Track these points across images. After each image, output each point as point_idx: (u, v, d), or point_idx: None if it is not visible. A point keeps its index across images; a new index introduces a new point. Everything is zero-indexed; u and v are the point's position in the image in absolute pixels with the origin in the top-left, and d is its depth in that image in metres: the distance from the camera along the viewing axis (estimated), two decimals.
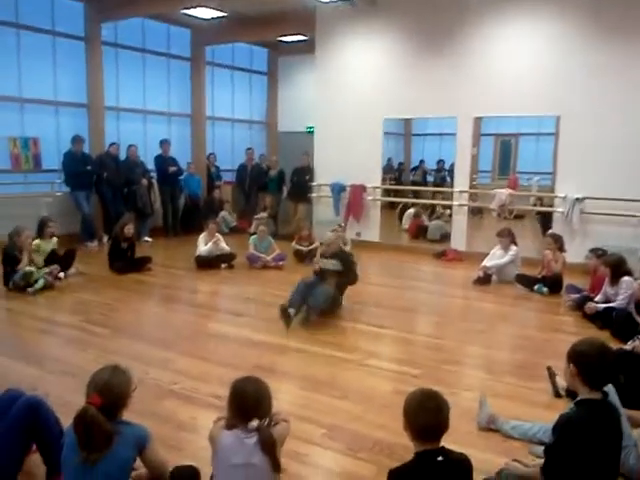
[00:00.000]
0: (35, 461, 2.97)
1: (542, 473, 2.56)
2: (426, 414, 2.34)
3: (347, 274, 6.12)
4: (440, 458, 2.29)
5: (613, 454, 2.56)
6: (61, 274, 7.13)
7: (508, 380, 4.41)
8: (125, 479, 2.50)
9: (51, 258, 7.19)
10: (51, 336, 5.47)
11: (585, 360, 2.56)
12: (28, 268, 6.65)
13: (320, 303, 5.72)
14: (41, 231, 7.29)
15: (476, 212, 12.48)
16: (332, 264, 6.14)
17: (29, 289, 6.58)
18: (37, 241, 7.19)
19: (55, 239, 7.48)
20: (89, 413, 2.38)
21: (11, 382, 3.75)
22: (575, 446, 2.45)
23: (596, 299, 6.01)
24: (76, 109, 10.42)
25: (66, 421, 2.89)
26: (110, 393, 2.46)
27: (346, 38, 10.57)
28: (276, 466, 2.48)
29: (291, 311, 5.53)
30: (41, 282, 6.72)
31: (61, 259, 7.32)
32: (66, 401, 3.68)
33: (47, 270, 6.90)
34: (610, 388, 3.00)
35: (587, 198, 8.55)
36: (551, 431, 2.60)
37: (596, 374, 2.56)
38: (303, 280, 5.97)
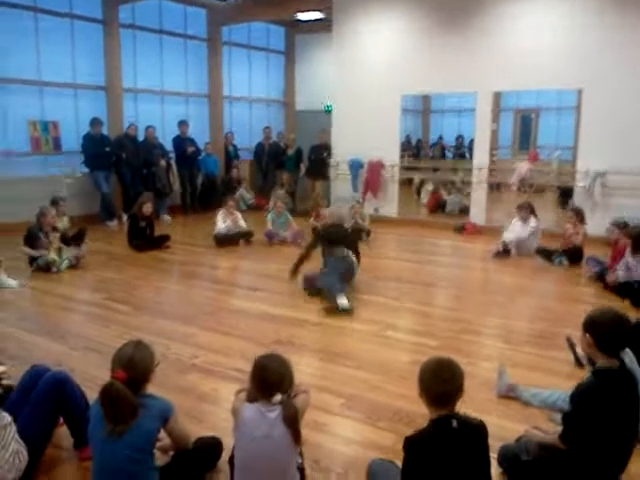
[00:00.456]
0: (63, 433, 3.05)
1: (561, 441, 2.57)
2: (441, 380, 2.35)
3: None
4: (455, 424, 2.30)
5: (631, 421, 2.56)
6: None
7: (527, 350, 4.41)
8: (150, 450, 2.55)
9: (62, 239, 7.24)
10: (75, 313, 5.57)
11: (601, 329, 2.56)
12: (51, 256, 6.74)
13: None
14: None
15: (496, 188, 12.40)
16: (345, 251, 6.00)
17: (53, 268, 6.69)
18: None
19: (66, 218, 7.58)
20: (114, 387, 2.43)
21: (36, 358, 3.86)
22: (593, 414, 2.46)
23: (617, 270, 5.95)
24: (94, 92, 10.47)
25: (91, 395, 2.97)
26: (134, 368, 2.51)
27: (364, 15, 10.44)
28: (297, 438, 2.51)
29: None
30: (65, 263, 6.84)
31: (70, 239, 7.39)
32: (91, 376, 3.78)
33: (74, 253, 7.00)
34: (629, 355, 3.00)
35: (608, 172, 8.44)
36: (569, 399, 2.61)
37: (612, 342, 2.56)
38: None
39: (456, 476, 2.27)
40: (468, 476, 2.29)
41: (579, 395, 2.54)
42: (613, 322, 2.57)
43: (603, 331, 2.55)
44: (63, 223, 7.49)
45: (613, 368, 2.55)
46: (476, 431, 2.37)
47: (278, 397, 2.51)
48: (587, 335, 2.59)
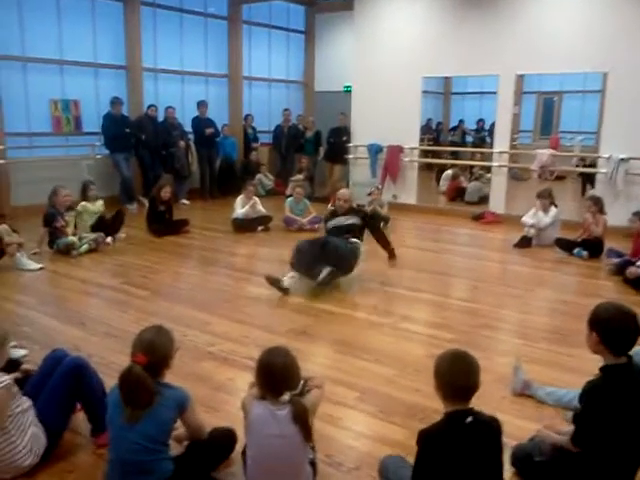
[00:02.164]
0: (81, 419, 3.09)
1: (572, 443, 2.55)
2: (457, 374, 2.34)
3: (374, 221, 5.94)
4: (469, 419, 2.30)
5: None
6: (109, 239, 7.30)
7: (544, 346, 4.38)
8: (165, 439, 2.58)
9: (99, 223, 7.38)
10: (93, 298, 5.64)
11: (607, 326, 2.49)
12: (71, 238, 6.81)
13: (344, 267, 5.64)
14: (85, 194, 7.51)
15: (517, 177, 12.24)
16: (348, 220, 5.84)
17: (73, 251, 6.76)
18: (83, 203, 7.42)
19: (101, 201, 7.66)
20: (134, 371, 2.45)
21: (56, 343, 3.92)
22: (602, 413, 2.44)
23: (638, 263, 5.88)
24: (115, 71, 10.48)
25: (108, 381, 3.02)
26: (154, 352, 2.52)
27: None
28: (308, 436, 2.50)
29: (288, 278, 5.45)
30: (85, 247, 6.91)
31: (109, 223, 7.51)
32: (109, 361, 3.84)
33: (92, 237, 7.06)
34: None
35: (633, 158, 8.29)
36: (578, 399, 2.59)
37: (619, 340, 2.49)
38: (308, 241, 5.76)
39: (468, 472, 2.27)
40: (480, 472, 2.29)
41: (588, 393, 2.50)
42: (620, 319, 2.49)
43: (611, 329, 2.48)
44: (97, 207, 7.55)
45: (621, 364, 2.50)
46: (490, 427, 2.36)
47: (286, 397, 2.50)
48: (593, 333, 2.52)
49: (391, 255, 5.96)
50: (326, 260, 5.49)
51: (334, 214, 6.01)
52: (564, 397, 3.40)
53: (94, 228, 7.30)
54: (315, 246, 5.57)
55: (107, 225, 7.43)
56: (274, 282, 5.42)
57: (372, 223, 6.06)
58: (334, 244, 5.52)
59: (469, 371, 2.36)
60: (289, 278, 5.49)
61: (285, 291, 5.44)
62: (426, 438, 2.34)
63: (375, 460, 2.73)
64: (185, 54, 11.59)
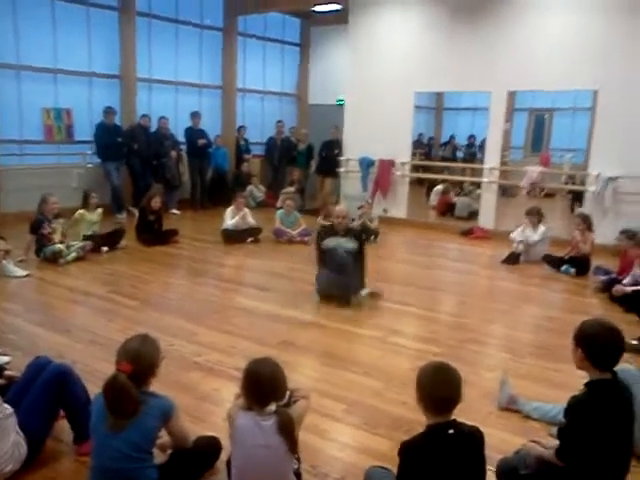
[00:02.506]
0: (63, 427, 3.06)
1: (557, 457, 2.56)
2: (439, 386, 2.35)
3: (362, 256, 5.75)
4: (451, 431, 2.30)
5: (626, 435, 2.53)
6: (104, 248, 7.35)
7: (531, 361, 4.40)
8: (149, 447, 2.57)
9: (94, 236, 7.39)
10: (80, 306, 5.60)
11: (592, 342, 2.52)
12: (58, 246, 6.78)
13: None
14: (85, 202, 7.54)
15: (506, 192, 12.31)
16: (348, 244, 5.68)
17: (60, 260, 6.73)
18: (82, 211, 7.46)
19: (100, 210, 7.69)
20: (119, 379, 2.44)
21: (40, 350, 3.89)
22: (587, 428, 2.44)
23: (624, 281, 5.92)
24: (109, 80, 10.48)
25: (92, 388, 3.00)
26: (140, 361, 2.51)
27: (380, 8, 10.39)
28: (293, 447, 2.50)
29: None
30: (73, 255, 6.87)
31: (106, 237, 7.54)
32: (93, 369, 3.81)
33: (80, 245, 7.04)
34: (631, 371, 2.98)
35: (621, 177, 8.36)
36: (563, 414, 2.60)
37: (604, 356, 2.52)
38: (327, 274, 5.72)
39: None
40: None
41: (572, 409, 2.51)
42: (605, 335, 2.52)
43: (596, 345, 2.50)
44: (95, 216, 7.58)
45: (606, 379, 2.52)
46: (472, 439, 2.37)
47: (272, 407, 2.50)
48: (579, 350, 2.54)
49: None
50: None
51: (331, 231, 5.82)
52: (550, 412, 3.42)
53: (87, 238, 7.29)
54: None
55: (102, 238, 7.45)
56: None
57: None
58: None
59: (451, 383, 2.36)
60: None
61: None
62: (407, 450, 2.34)
63: (360, 471, 2.73)
64: (179, 65, 11.63)
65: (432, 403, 2.37)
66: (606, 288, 6.11)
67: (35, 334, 4.64)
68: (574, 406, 2.52)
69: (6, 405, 2.73)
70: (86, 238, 7.28)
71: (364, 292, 5.70)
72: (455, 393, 2.35)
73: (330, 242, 5.71)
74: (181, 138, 11.03)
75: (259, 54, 13.39)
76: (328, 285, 5.66)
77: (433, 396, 2.35)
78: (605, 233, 7.51)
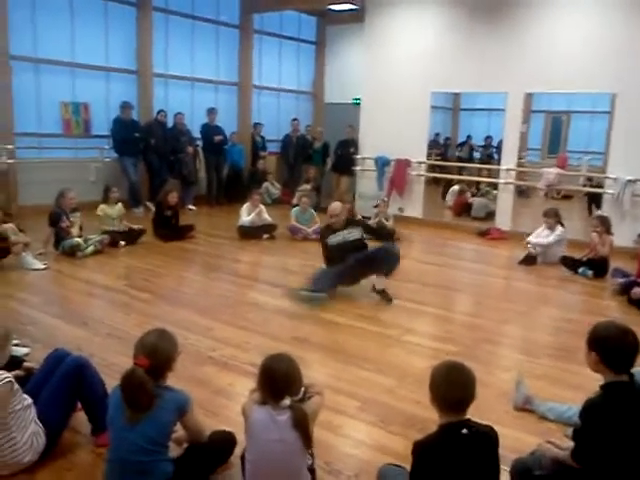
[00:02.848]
0: (81, 419, 3.09)
1: (573, 459, 2.54)
2: (452, 386, 2.33)
3: (380, 236, 5.80)
4: (465, 431, 2.29)
5: None
6: (122, 242, 7.44)
7: (547, 362, 4.37)
8: (165, 441, 2.58)
9: (113, 233, 7.46)
10: (97, 299, 5.65)
11: (606, 345, 2.49)
12: (76, 240, 6.84)
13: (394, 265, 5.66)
14: (106, 196, 7.65)
15: (523, 193, 12.23)
16: (353, 234, 5.76)
17: (78, 253, 6.79)
18: (103, 206, 7.56)
19: (120, 204, 7.75)
20: (136, 374, 2.46)
21: (58, 342, 3.93)
22: (602, 430, 2.42)
23: None
24: (126, 75, 10.55)
25: (109, 381, 3.02)
26: (157, 356, 2.53)
27: (396, 8, 10.36)
28: (307, 442, 2.51)
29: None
30: (91, 248, 6.93)
31: (125, 234, 7.60)
32: (110, 362, 3.84)
33: (98, 239, 7.10)
34: None
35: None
36: (578, 416, 2.58)
37: (618, 358, 2.49)
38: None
39: None
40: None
41: (587, 411, 2.49)
42: (619, 337, 2.48)
43: (609, 347, 2.48)
44: (116, 210, 7.65)
45: (623, 381, 2.49)
46: (486, 439, 2.36)
47: (287, 402, 2.51)
48: (593, 353, 2.51)
49: None
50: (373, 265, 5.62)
51: (330, 229, 5.86)
52: (565, 413, 3.39)
53: (106, 233, 7.35)
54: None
55: (122, 235, 7.53)
56: None
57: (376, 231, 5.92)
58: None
59: (465, 383, 2.35)
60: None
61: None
62: (420, 449, 2.33)
63: (374, 468, 2.72)
64: (196, 61, 11.68)
65: (446, 403, 2.35)
66: (624, 290, 6.04)
67: (53, 326, 4.68)
68: (589, 408, 2.49)
69: (25, 396, 2.77)
70: (105, 233, 7.33)
71: (379, 285, 5.64)
72: (469, 393, 2.34)
73: (334, 238, 5.76)
74: (197, 134, 11.07)
75: (275, 52, 13.41)
76: (353, 274, 5.62)
77: (447, 396, 2.34)
78: (623, 236, 7.45)
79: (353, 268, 5.59)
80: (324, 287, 5.57)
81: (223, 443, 2.84)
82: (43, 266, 6.28)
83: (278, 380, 2.50)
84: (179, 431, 2.75)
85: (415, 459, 2.33)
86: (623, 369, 2.50)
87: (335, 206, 5.91)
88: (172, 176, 10.43)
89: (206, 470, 2.75)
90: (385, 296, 5.64)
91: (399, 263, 5.69)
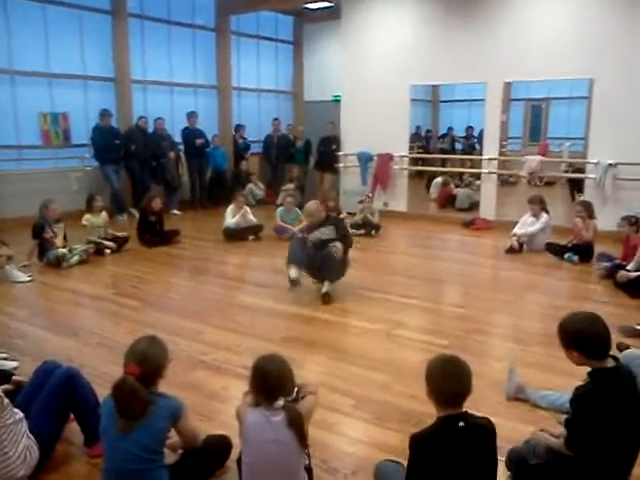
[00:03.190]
0: (73, 430, 3.07)
1: (566, 447, 2.56)
2: (448, 380, 2.34)
3: (344, 240, 5.67)
4: (462, 424, 2.29)
5: (633, 420, 2.52)
6: (107, 250, 7.39)
7: (537, 350, 4.39)
8: (160, 448, 2.57)
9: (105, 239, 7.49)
10: (85, 309, 5.60)
11: (582, 341, 2.51)
12: (61, 250, 6.79)
13: (337, 275, 5.68)
14: (90, 206, 7.57)
15: (506, 182, 12.31)
16: (326, 233, 5.69)
17: (64, 263, 6.74)
18: (87, 215, 7.50)
19: (104, 213, 7.71)
20: (127, 382, 2.45)
21: (47, 354, 3.89)
22: (593, 417, 2.45)
23: (628, 267, 5.92)
24: (104, 83, 10.47)
25: (100, 391, 3.00)
26: (147, 363, 2.52)
27: (372, 3, 10.38)
28: (303, 442, 2.51)
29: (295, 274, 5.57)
30: (76, 258, 6.88)
31: (112, 242, 7.56)
32: (101, 372, 3.82)
33: (83, 248, 7.04)
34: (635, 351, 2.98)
35: (620, 164, 8.37)
36: (569, 403, 2.60)
37: (598, 348, 2.51)
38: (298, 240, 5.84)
39: (461, 475, 2.27)
40: (474, 475, 2.29)
41: (577, 399, 2.51)
42: (590, 328, 2.52)
43: (586, 342, 2.50)
44: (101, 219, 7.61)
45: (608, 367, 2.52)
46: (483, 431, 2.36)
47: (280, 402, 2.50)
48: (573, 352, 2.54)
49: None
50: (318, 267, 5.59)
51: (312, 228, 5.85)
52: (557, 400, 3.41)
53: (91, 242, 7.31)
54: (309, 250, 5.63)
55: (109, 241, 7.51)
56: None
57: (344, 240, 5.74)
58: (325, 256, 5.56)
59: (460, 376, 2.36)
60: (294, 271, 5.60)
61: (295, 283, 5.56)
62: (418, 442, 2.33)
63: (371, 465, 2.73)
64: (174, 65, 11.62)
65: (442, 397, 2.36)
66: (610, 274, 6.10)
67: (42, 338, 4.64)
68: (579, 396, 2.51)
69: (16, 410, 2.74)
70: (90, 242, 7.27)
71: (324, 288, 5.59)
72: (465, 386, 2.35)
73: (312, 235, 5.76)
74: (178, 139, 11.02)
75: (253, 53, 13.38)
76: (304, 259, 5.64)
77: (443, 390, 2.35)
78: (607, 220, 7.51)
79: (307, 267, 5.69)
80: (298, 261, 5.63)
81: (218, 447, 2.84)
82: (28, 278, 6.23)
83: (271, 381, 2.49)
84: (173, 437, 2.74)
85: (412, 452, 2.33)
86: (603, 354, 2.53)
87: (310, 206, 5.84)
88: (155, 182, 10.38)
89: (202, 475, 2.75)
90: (326, 299, 5.56)
91: (339, 273, 5.67)
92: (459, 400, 2.35)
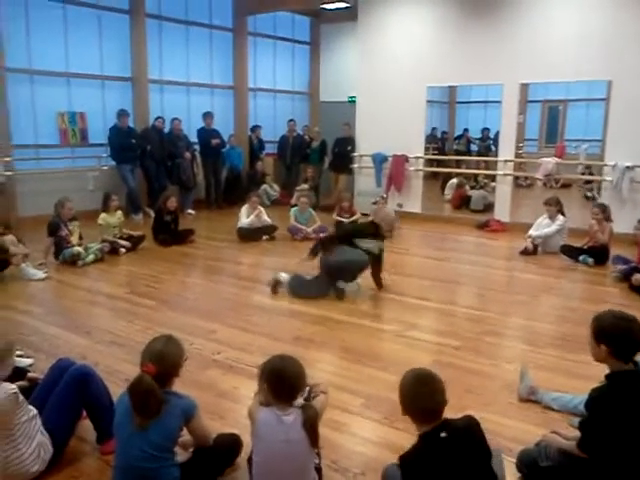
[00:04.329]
0: (87, 427, 3.09)
1: (579, 449, 2.54)
2: (421, 398, 2.33)
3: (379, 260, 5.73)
4: (443, 434, 2.28)
5: None
6: (122, 250, 7.44)
7: (550, 352, 4.37)
8: (172, 446, 2.60)
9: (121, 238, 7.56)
10: (99, 307, 5.65)
11: (615, 337, 2.50)
12: (77, 249, 6.85)
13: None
14: (106, 205, 7.63)
15: (522, 185, 12.27)
16: (371, 246, 5.63)
17: (79, 262, 6.80)
18: (104, 215, 7.56)
19: (119, 212, 7.77)
20: (144, 381, 2.47)
21: (62, 352, 3.95)
22: (609, 420, 2.43)
23: None
24: (121, 83, 10.55)
25: (114, 389, 3.04)
26: (163, 362, 2.54)
27: (389, 4, 10.36)
28: (315, 442, 2.52)
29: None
30: (91, 257, 6.95)
31: (127, 241, 7.62)
32: (114, 370, 3.85)
33: (98, 247, 7.11)
34: None
35: (638, 166, 8.28)
36: (584, 406, 2.58)
37: (628, 349, 2.51)
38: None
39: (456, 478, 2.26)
40: (468, 473, 2.28)
41: (593, 400, 2.50)
42: (627, 328, 2.50)
43: (619, 339, 2.49)
44: (116, 218, 7.67)
45: (628, 370, 2.51)
46: (467, 432, 2.35)
47: (300, 401, 2.52)
48: (602, 346, 2.52)
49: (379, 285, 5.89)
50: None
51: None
52: (570, 403, 3.40)
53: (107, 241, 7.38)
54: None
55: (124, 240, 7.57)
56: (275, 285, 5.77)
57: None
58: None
59: (431, 393, 2.33)
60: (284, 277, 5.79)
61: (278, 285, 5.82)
62: (405, 463, 2.33)
63: (380, 465, 2.72)
64: (191, 66, 11.68)
65: (418, 415, 2.36)
66: (626, 277, 6.05)
67: (56, 336, 4.69)
68: (596, 398, 2.50)
69: (30, 407, 2.77)
70: (105, 241, 7.34)
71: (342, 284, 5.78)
72: (438, 401, 2.33)
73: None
74: (194, 138, 11.08)
75: (270, 53, 13.41)
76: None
77: (417, 408, 2.35)
78: (623, 223, 7.44)
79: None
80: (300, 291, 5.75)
81: (229, 446, 2.85)
82: (44, 276, 6.30)
83: (286, 380, 2.51)
84: (185, 435, 2.76)
85: (403, 473, 2.33)
86: (630, 357, 2.52)
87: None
88: (170, 182, 10.45)
89: (213, 473, 2.76)
90: (340, 296, 5.71)
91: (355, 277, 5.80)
92: (435, 415, 2.33)
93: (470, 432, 2.35)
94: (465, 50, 9.64)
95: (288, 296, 5.75)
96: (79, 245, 6.96)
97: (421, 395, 2.33)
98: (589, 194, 11.83)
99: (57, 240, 6.87)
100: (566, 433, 2.84)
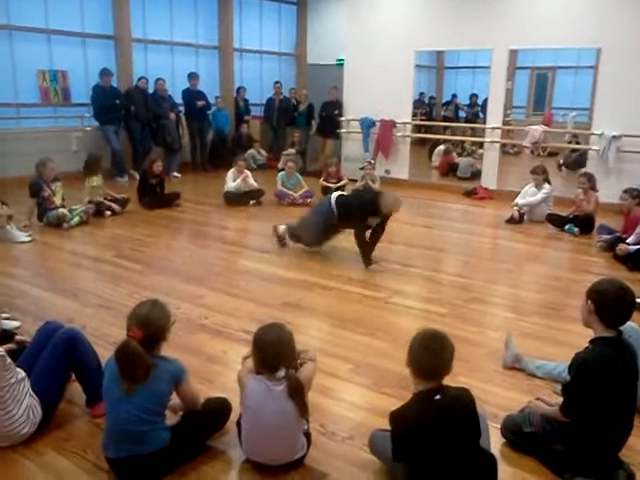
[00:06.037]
0: (76, 389, 3.11)
1: (562, 413, 2.60)
2: (428, 354, 2.35)
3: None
4: (438, 397, 2.31)
5: (630, 391, 2.58)
6: (108, 212, 7.38)
7: (535, 320, 4.43)
8: (161, 410, 2.61)
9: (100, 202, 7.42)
10: (86, 270, 5.61)
11: (604, 298, 2.55)
12: (62, 210, 6.76)
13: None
14: (95, 167, 7.52)
15: (510, 152, 12.27)
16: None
17: (64, 224, 6.73)
18: (94, 177, 7.43)
19: (99, 175, 7.63)
20: (131, 345, 2.46)
21: (49, 315, 3.92)
22: (591, 384, 2.48)
23: (628, 240, 5.93)
24: (104, 41, 10.29)
25: (101, 352, 3.04)
26: (150, 327, 2.53)
27: None
28: (304, 411, 2.55)
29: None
30: (76, 219, 6.87)
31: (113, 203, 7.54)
32: (102, 333, 3.86)
33: (83, 209, 7.02)
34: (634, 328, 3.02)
35: (625, 136, 8.29)
36: (567, 370, 2.63)
37: (613, 313, 2.56)
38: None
39: (443, 446, 2.29)
40: (455, 445, 2.31)
41: (577, 364, 2.55)
42: (618, 294, 2.55)
43: (607, 301, 2.54)
44: (95, 181, 7.51)
45: (611, 337, 2.56)
46: (460, 401, 2.38)
47: (282, 373, 2.53)
48: (589, 302, 2.58)
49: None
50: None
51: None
52: (554, 370, 3.45)
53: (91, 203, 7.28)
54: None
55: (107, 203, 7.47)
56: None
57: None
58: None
59: (439, 351, 2.35)
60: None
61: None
62: (396, 418, 2.36)
63: (368, 430, 2.77)
64: (175, 25, 11.40)
65: (420, 369, 2.38)
66: (610, 247, 6.11)
67: (43, 299, 4.66)
68: (579, 362, 2.55)
69: (19, 369, 2.77)
70: (91, 203, 7.24)
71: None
72: (441, 363, 2.35)
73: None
74: (178, 100, 10.89)
75: (256, 13, 13.11)
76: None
77: (421, 362, 2.36)
78: (609, 192, 7.48)
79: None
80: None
81: (218, 410, 2.87)
82: (28, 238, 6.23)
83: (270, 351, 2.53)
84: (174, 399, 2.77)
85: (393, 428, 2.36)
86: (613, 325, 2.56)
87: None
88: (155, 143, 10.30)
89: (202, 437, 2.79)
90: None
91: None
92: (436, 376, 2.35)
93: (463, 404, 2.37)
94: (454, 15, 9.50)
95: (281, 261, 5.73)
96: (62, 207, 6.87)
97: (431, 351, 2.35)
98: (561, 161, 11.89)
99: (40, 201, 6.77)
100: (549, 400, 2.90)
